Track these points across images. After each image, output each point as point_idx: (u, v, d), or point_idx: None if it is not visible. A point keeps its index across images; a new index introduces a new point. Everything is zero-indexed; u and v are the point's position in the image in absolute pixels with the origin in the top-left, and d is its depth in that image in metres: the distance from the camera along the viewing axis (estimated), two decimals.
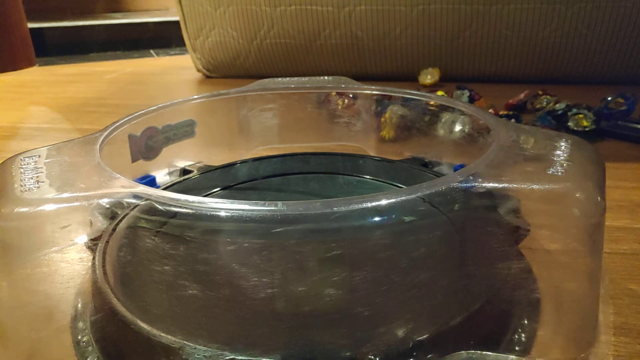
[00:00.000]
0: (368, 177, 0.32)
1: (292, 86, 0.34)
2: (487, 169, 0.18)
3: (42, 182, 0.19)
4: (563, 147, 0.20)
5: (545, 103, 0.52)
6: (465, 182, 0.18)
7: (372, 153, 0.36)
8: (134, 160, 0.29)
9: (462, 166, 0.29)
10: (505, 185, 0.18)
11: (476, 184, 0.18)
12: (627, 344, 0.19)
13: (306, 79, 0.34)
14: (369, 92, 0.34)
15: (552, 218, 0.18)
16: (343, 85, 0.34)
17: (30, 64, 0.99)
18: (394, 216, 0.17)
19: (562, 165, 0.19)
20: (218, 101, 0.33)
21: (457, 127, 0.31)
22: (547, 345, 0.18)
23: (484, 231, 0.21)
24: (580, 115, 0.45)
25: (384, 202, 0.16)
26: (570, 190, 0.17)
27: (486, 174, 0.18)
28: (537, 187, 0.17)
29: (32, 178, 0.19)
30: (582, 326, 0.19)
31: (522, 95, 0.54)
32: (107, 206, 0.19)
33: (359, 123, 0.36)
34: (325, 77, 0.34)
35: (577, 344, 0.18)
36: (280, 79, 0.34)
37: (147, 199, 0.17)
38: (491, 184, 0.18)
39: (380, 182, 0.31)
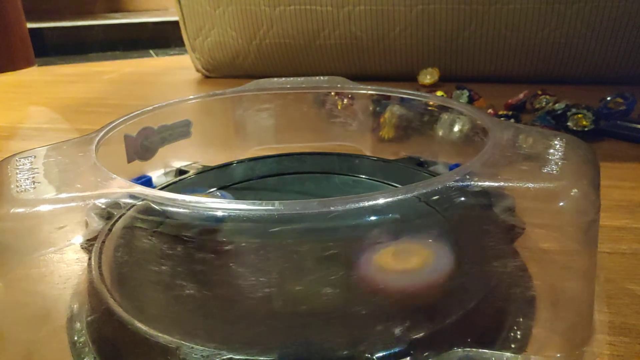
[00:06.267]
0: (364, 176, 0.32)
1: (288, 86, 0.34)
2: (482, 168, 0.18)
3: (38, 182, 0.19)
4: (558, 146, 0.20)
5: (544, 103, 0.52)
6: (461, 181, 0.18)
7: (368, 153, 0.36)
8: (129, 160, 0.29)
9: (457, 165, 0.29)
10: (501, 183, 0.18)
11: (471, 182, 0.18)
12: (626, 344, 0.19)
13: (302, 79, 0.34)
14: (365, 92, 0.34)
15: (547, 216, 0.18)
16: (339, 85, 0.34)
17: (29, 64, 0.99)
18: (390, 215, 0.17)
19: (556, 164, 0.19)
20: (214, 101, 0.33)
21: (456, 128, 0.31)
22: (543, 343, 0.18)
23: (480, 230, 0.21)
24: (579, 115, 0.45)
25: (380, 201, 0.16)
26: (565, 189, 0.17)
27: (481, 172, 0.18)
28: (532, 185, 0.17)
29: (28, 179, 0.19)
30: (577, 324, 0.19)
31: (521, 95, 0.54)
32: (104, 206, 0.19)
33: (356, 123, 0.36)
34: (321, 77, 0.34)
35: (572, 342, 0.18)
36: (276, 79, 0.34)
37: (143, 199, 0.17)
38: (486, 183, 0.18)
39: (376, 182, 0.31)
